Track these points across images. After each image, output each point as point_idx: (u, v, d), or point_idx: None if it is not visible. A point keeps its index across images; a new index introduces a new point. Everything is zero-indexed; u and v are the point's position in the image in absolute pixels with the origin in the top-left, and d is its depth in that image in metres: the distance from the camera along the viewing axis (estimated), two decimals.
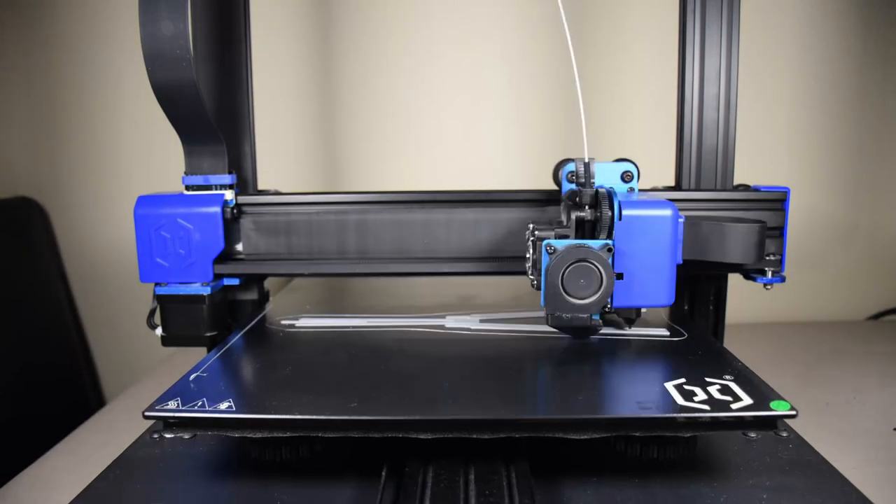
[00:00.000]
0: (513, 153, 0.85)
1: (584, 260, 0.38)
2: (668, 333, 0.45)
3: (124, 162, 0.86)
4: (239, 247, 0.51)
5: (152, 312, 0.50)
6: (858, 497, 0.33)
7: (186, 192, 0.50)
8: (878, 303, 0.86)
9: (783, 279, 0.47)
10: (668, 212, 0.39)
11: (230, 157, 0.50)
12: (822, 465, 0.36)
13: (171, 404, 0.35)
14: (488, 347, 0.44)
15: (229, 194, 0.49)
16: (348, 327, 0.49)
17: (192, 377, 0.38)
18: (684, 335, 0.45)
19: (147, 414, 0.34)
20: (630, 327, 0.46)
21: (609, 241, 0.39)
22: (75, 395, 0.88)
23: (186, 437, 0.40)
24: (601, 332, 0.45)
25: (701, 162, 0.52)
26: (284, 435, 0.34)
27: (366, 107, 0.84)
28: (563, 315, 0.40)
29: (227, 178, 0.49)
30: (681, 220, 0.41)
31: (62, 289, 0.89)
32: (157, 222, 0.48)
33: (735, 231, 0.42)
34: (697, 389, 0.35)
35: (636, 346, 0.43)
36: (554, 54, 0.82)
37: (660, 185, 0.55)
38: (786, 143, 0.83)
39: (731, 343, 0.48)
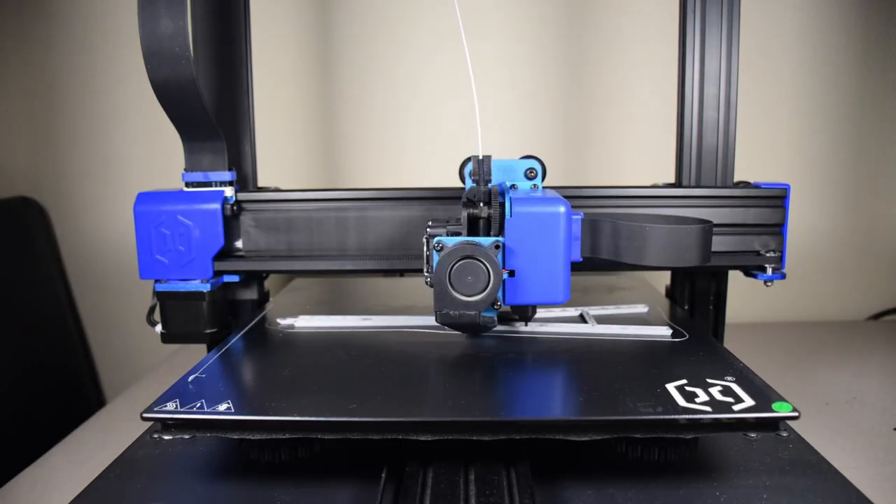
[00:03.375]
0: (512, 151, 0.84)
1: (471, 257, 0.38)
2: (669, 333, 0.45)
3: (124, 162, 0.86)
4: (239, 244, 0.51)
5: (152, 309, 0.50)
6: (858, 497, 0.33)
7: (186, 189, 0.50)
8: (878, 303, 0.86)
9: (783, 276, 0.47)
10: (559, 208, 0.39)
11: (230, 154, 0.50)
12: (822, 465, 0.36)
13: (170, 405, 0.34)
14: (488, 348, 0.44)
15: (229, 191, 0.49)
16: (347, 328, 0.49)
17: (190, 378, 0.38)
18: (685, 335, 0.45)
19: (145, 415, 0.34)
20: (526, 324, 0.46)
21: (499, 239, 0.39)
22: (75, 395, 0.88)
23: (186, 437, 0.39)
24: (598, 332, 0.45)
25: (701, 160, 0.52)
26: (283, 437, 0.34)
27: (366, 104, 0.84)
28: (451, 312, 0.39)
29: (226, 175, 0.49)
30: (577, 217, 0.41)
31: (62, 289, 0.89)
32: (156, 219, 0.48)
33: (684, 234, 0.40)
34: (699, 390, 0.35)
35: (637, 347, 0.43)
36: (554, 53, 0.82)
37: (660, 181, 0.55)
38: (785, 143, 0.83)
39: (731, 343, 0.48)
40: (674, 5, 0.52)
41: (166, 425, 0.34)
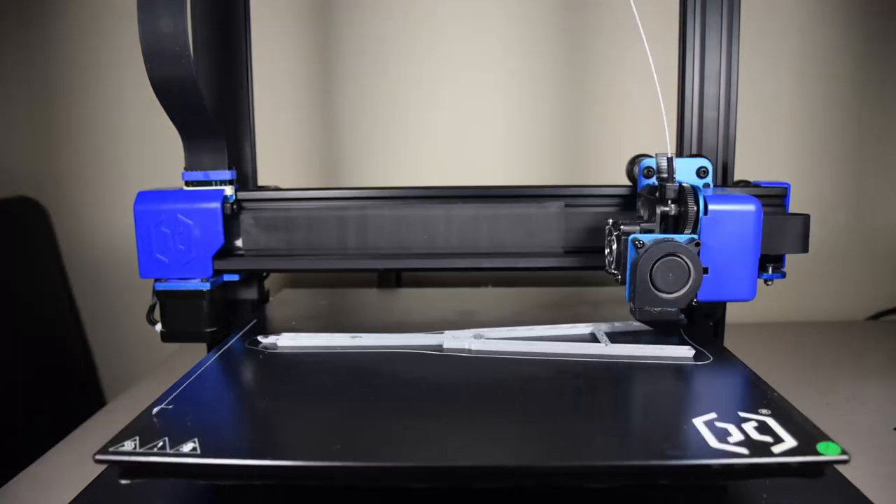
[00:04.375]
0: (513, 150, 0.85)
1: (673, 254, 0.39)
2: (691, 355, 0.42)
3: (124, 161, 0.86)
4: (239, 242, 0.51)
5: (152, 308, 0.50)
6: (858, 497, 0.33)
7: (186, 188, 0.50)
8: (878, 303, 0.86)
9: (783, 275, 0.47)
10: (752, 207, 0.40)
11: (230, 152, 0.50)
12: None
13: (128, 445, 0.30)
14: (490, 374, 0.40)
15: (229, 190, 0.49)
16: (335, 348, 0.45)
17: (155, 410, 0.34)
18: (709, 358, 0.41)
19: (98, 457, 0.29)
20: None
21: (696, 236, 0.40)
22: (75, 395, 0.88)
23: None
24: (613, 353, 0.43)
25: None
26: (257, 483, 0.30)
27: (366, 104, 0.84)
28: (652, 309, 0.40)
29: (226, 174, 0.49)
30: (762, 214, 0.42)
31: (62, 289, 0.89)
32: (156, 218, 0.48)
33: (792, 223, 0.44)
34: (731, 427, 0.31)
35: (657, 373, 0.39)
36: (555, 52, 0.82)
37: None
38: (785, 143, 0.83)
39: (731, 343, 0.48)
40: (674, 5, 0.52)
41: (124, 470, 0.30)
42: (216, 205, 0.48)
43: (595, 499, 0.33)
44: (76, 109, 0.86)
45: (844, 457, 0.28)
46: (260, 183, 0.58)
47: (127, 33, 0.83)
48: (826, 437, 0.30)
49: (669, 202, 0.41)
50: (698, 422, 0.32)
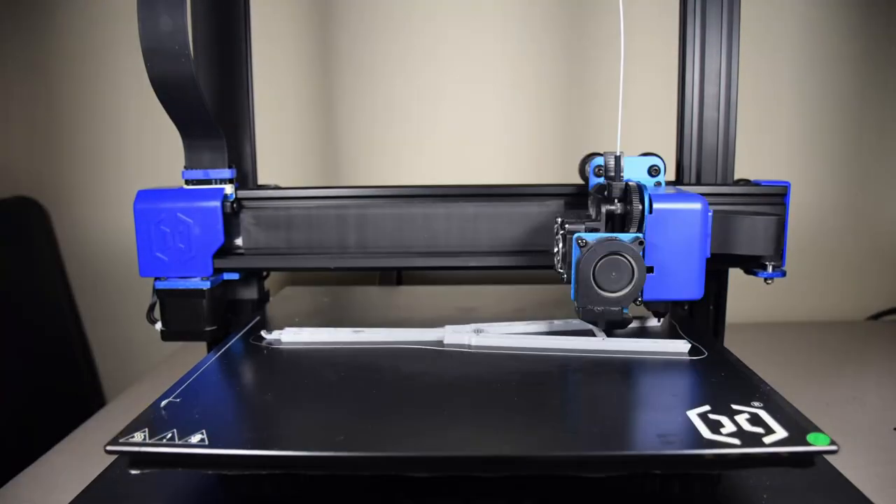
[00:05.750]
0: (513, 148, 0.85)
1: (616, 253, 0.39)
2: (686, 349, 0.42)
3: (124, 161, 0.86)
4: (239, 241, 0.51)
5: (152, 307, 0.50)
6: (858, 497, 0.33)
7: (186, 187, 0.50)
8: (878, 303, 0.86)
9: (783, 273, 0.47)
10: (697, 205, 0.40)
11: (230, 151, 0.50)
12: (822, 465, 0.36)
13: (138, 436, 0.31)
14: (490, 369, 0.41)
15: (229, 188, 0.49)
16: (338, 343, 0.46)
17: (163, 403, 0.35)
18: (704, 353, 0.42)
19: (109, 448, 0.30)
20: (659, 321, 0.46)
21: (640, 235, 0.39)
22: (75, 395, 0.88)
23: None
24: (610, 347, 0.44)
25: (701, 158, 0.52)
26: (263, 472, 0.31)
27: (366, 103, 0.84)
28: (595, 308, 0.39)
29: (226, 173, 0.49)
30: (709, 213, 0.41)
31: (62, 289, 0.89)
32: (156, 217, 0.48)
33: (758, 223, 0.43)
34: (724, 419, 0.32)
35: (653, 367, 0.40)
36: (555, 51, 0.82)
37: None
38: (785, 142, 0.83)
39: (731, 343, 0.48)
40: (674, 5, 0.52)
41: (134, 460, 0.31)
42: (216, 203, 0.48)
43: (593, 489, 0.34)
44: (76, 109, 0.86)
45: (833, 447, 0.29)
46: (260, 182, 0.58)
47: (127, 32, 0.83)
48: (816, 429, 0.30)
49: (615, 201, 0.41)
50: (692, 414, 0.32)
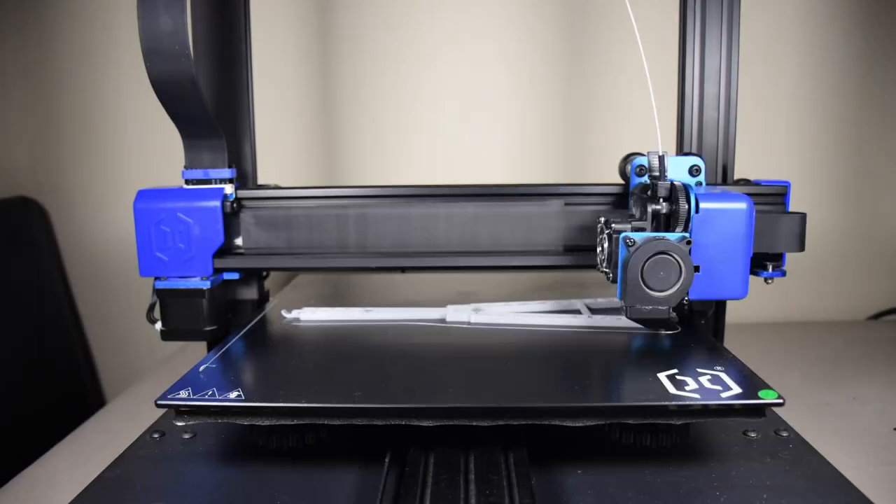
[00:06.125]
0: (513, 148, 0.85)
1: (664, 252, 0.39)
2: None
3: (124, 161, 0.86)
4: (238, 241, 0.51)
5: (152, 307, 0.50)
6: (858, 497, 0.33)
7: (186, 187, 0.50)
8: (878, 303, 0.86)
9: (784, 273, 0.47)
10: (743, 205, 0.40)
11: (230, 151, 0.50)
12: (822, 465, 0.36)
13: (183, 393, 0.36)
14: (487, 341, 0.46)
15: (229, 188, 0.49)
16: (351, 321, 0.50)
17: (201, 368, 0.39)
18: (678, 329, 0.46)
19: (160, 402, 0.35)
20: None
21: (687, 234, 0.39)
22: (75, 395, 0.88)
23: (187, 436, 0.40)
24: (594, 323, 0.47)
25: (701, 158, 0.52)
26: (291, 423, 0.35)
27: (366, 103, 0.84)
28: (643, 308, 0.40)
29: (226, 172, 0.49)
30: (754, 212, 0.41)
31: (62, 289, 0.89)
32: (156, 216, 0.48)
33: (783, 221, 0.45)
34: (689, 379, 0.36)
35: (631, 339, 0.45)
36: (554, 51, 0.82)
37: None
38: (785, 143, 0.83)
39: (731, 343, 0.48)
40: (674, 5, 0.52)
41: (180, 412, 0.35)
42: (216, 203, 0.48)
43: (577, 438, 0.37)
44: (76, 109, 0.86)
45: (780, 400, 0.34)
46: (260, 181, 0.58)
47: (126, 32, 0.83)
48: (767, 387, 0.35)
49: (661, 200, 0.41)
50: (661, 376, 0.37)
